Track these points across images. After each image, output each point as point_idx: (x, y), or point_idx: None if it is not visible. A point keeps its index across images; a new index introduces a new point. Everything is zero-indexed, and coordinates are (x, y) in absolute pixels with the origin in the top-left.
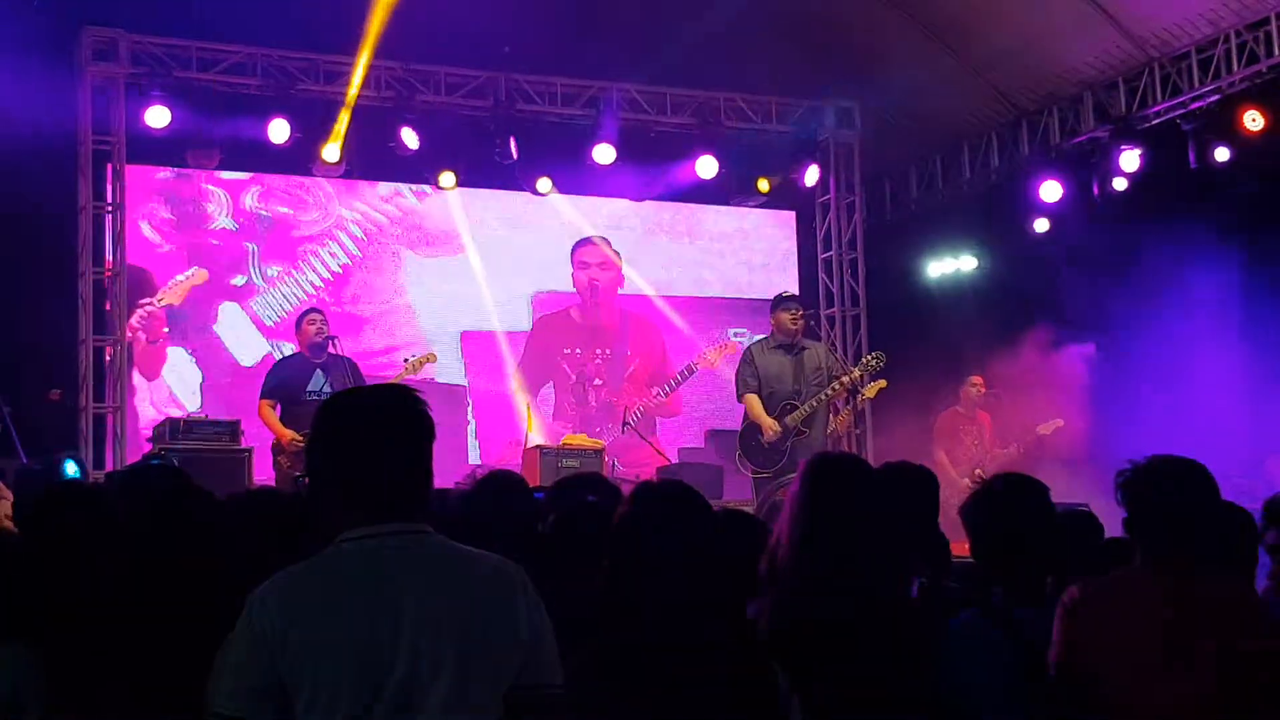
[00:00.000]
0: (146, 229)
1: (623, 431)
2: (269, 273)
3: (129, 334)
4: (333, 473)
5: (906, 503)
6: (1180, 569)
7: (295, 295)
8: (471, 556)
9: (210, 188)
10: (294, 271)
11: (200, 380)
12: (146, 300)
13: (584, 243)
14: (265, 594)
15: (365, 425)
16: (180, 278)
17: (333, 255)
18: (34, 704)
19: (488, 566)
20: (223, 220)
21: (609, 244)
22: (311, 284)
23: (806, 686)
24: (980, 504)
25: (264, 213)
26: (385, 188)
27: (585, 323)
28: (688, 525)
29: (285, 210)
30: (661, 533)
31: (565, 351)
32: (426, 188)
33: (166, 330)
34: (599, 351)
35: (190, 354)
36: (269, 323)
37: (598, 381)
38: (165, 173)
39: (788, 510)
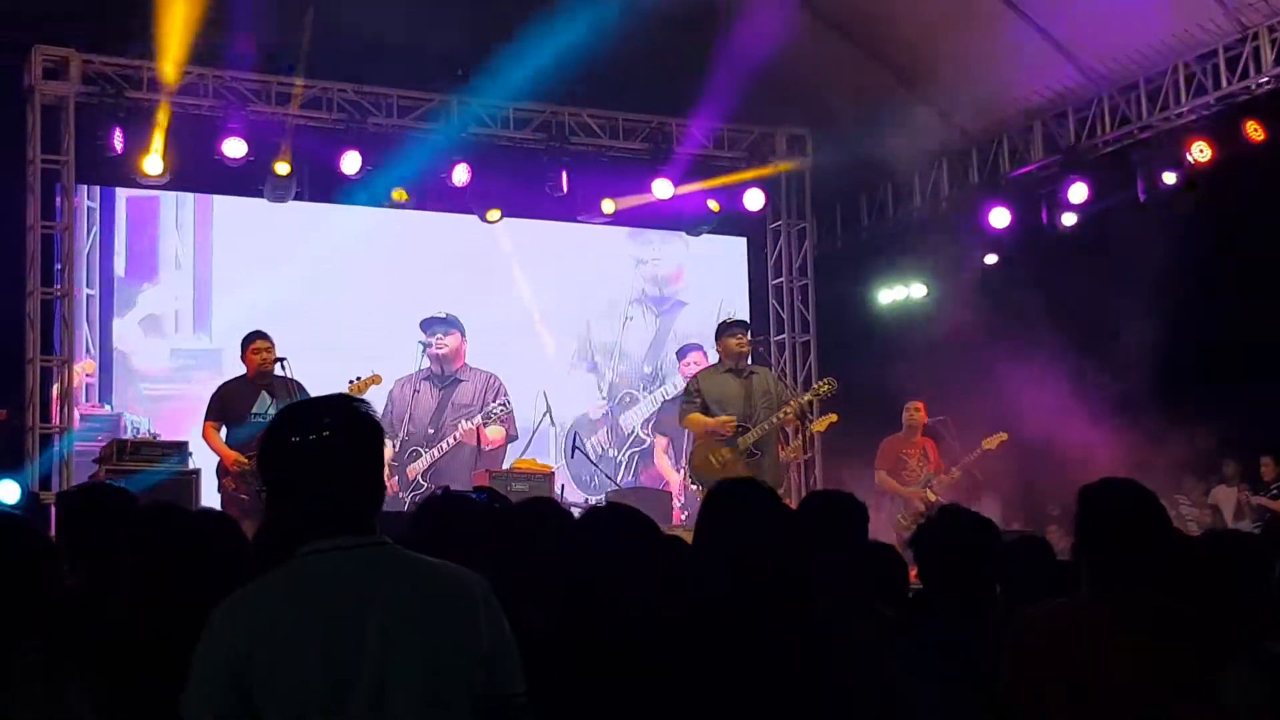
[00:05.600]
0: None
1: (571, 455)
2: None
3: None
4: (287, 485)
5: (826, 529)
6: (1127, 595)
7: None
8: (431, 567)
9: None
10: None
11: None
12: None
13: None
14: (226, 612)
15: (317, 435)
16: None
17: None
18: None
19: (448, 577)
20: None
21: None
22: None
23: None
24: (920, 534)
25: None
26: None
27: None
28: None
29: None
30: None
31: None
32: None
33: None
34: None
35: None
36: None
37: None
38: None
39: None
